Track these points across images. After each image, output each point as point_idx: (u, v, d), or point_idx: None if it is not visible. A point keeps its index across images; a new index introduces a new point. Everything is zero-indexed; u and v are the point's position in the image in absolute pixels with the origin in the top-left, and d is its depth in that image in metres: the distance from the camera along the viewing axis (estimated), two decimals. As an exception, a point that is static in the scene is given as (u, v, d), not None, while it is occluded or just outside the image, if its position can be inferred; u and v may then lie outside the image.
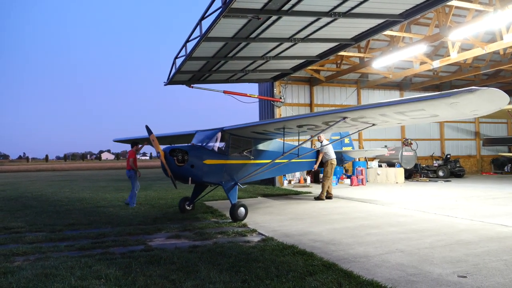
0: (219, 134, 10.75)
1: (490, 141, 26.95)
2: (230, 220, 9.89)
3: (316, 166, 14.46)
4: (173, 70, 16.56)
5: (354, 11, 11.71)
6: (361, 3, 11.18)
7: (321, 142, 14.54)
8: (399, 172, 20.91)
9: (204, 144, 10.59)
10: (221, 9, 10.67)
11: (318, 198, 14.15)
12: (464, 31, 14.21)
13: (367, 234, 8.00)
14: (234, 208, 9.95)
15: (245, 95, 20.11)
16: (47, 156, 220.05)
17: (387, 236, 7.81)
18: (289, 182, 20.96)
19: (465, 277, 5.18)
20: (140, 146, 13.99)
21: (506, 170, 26.46)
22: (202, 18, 11.74)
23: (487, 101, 6.27)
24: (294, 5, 11.04)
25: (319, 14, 11.80)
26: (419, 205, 12.07)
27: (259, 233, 8.33)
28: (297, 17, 11.88)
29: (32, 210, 12.47)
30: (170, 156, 9.69)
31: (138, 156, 15.51)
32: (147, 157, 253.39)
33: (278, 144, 12.23)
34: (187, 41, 13.66)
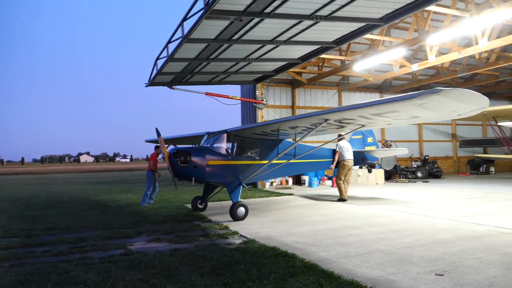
0: (224, 136, 11.13)
1: (466, 143, 27.61)
2: (212, 222, 9.86)
3: (333, 166, 14.17)
4: (155, 71, 16.44)
5: (336, 14, 11.84)
6: (342, 6, 11.31)
7: (337, 143, 14.18)
8: (379, 173, 21.20)
9: (208, 145, 10.97)
10: (203, 10, 10.64)
11: (339, 199, 13.98)
12: (441, 35, 14.52)
13: (348, 235, 8.08)
14: (234, 207, 10.24)
15: (227, 97, 20.10)
16: (23, 158, 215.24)
17: (368, 236, 7.91)
18: (271, 184, 21.02)
19: (442, 275, 5.30)
20: (160, 149, 13.94)
21: (481, 171, 27.09)
22: (184, 19, 11.69)
23: (460, 101, 6.45)
24: (276, 8, 11.10)
25: (301, 17, 11.89)
26: (398, 205, 12.26)
27: (241, 235, 8.33)
28: (279, 19, 11.94)
29: (7, 214, 12.19)
30: (174, 157, 10.06)
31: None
32: (128, 159, 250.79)
33: (288, 144, 12.12)
34: (169, 42, 13.58)
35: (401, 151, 16.29)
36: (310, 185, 20.35)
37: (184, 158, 10.16)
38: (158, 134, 10.19)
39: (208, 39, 13.21)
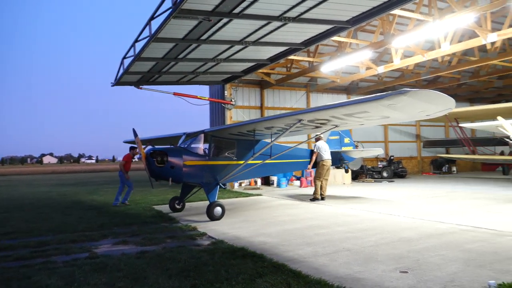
0: (202, 136, 11.19)
1: (430, 143, 28.50)
2: (180, 224, 9.76)
3: (310, 166, 14.34)
4: (121, 71, 16.12)
5: (304, 16, 11.96)
6: (310, 8, 11.44)
7: (315, 143, 14.38)
8: (347, 174, 21.54)
9: (185, 146, 11.04)
10: (171, 9, 10.52)
11: (313, 199, 14.11)
12: (406, 39, 14.93)
13: (315, 234, 8.18)
14: (211, 207, 10.35)
15: (195, 97, 19.95)
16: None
17: (335, 235, 8.03)
18: (240, 184, 21.01)
19: (407, 272, 5.44)
20: (137, 150, 13.84)
21: (444, 170, 28.05)
22: (152, 18, 11.52)
23: (426, 102, 6.66)
24: (245, 8, 11.09)
25: (269, 18, 11.94)
26: (365, 204, 12.52)
27: (210, 236, 8.28)
28: (248, 20, 11.94)
29: (-35, 217, 11.66)
30: (151, 157, 10.12)
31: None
32: (93, 161, 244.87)
33: (264, 145, 12.16)
34: (136, 41, 13.35)
35: (377, 151, 16.68)
36: (278, 185, 20.48)
37: (161, 158, 10.19)
38: (135, 134, 10.20)
39: (176, 38, 13.06)
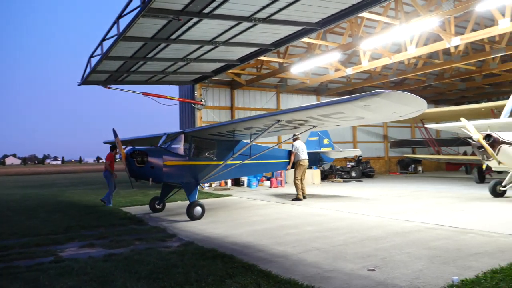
0: (182, 136, 11.18)
1: (397, 144, 29.26)
2: (149, 226, 9.61)
3: (289, 167, 14.43)
4: (88, 70, 15.76)
5: (274, 17, 12.03)
6: (280, 10, 11.52)
7: (292, 144, 14.45)
8: (316, 173, 21.81)
9: (166, 146, 11.07)
10: (140, 8, 10.37)
11: (295, 199, 14.15)
12: (373, 41, 15.27)
13: (286, 234, 8.22)
14: (191, 207, 10.41)
15: (165, 97, 19.74)
16: None
17: (305, 235, 8.09)
18: (210, 185, 20.89)
19: (374, 270, 5.54)
20: (117, 150, 13.48)
21: (410, 170, 28.81)
22: (120, 16, 11.33)
23: (400, 103, 6.86)
24: (215, 8, 11.06)
25: (239, 19, 11.95)
26: (334, 204, 12.69)
27: (179, 238, 8.19)
28: (218, 20, 11.92)
29: None
30: (131, 157, 10.13)
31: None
32: (59, 162, 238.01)
33: (244, 145, 12.21)
34: (103, 39, 13.09)
35: (355, 152, 16.96)
36: (249, 186, 20.47)
37: (141, 158, 10.21)
38: (115, 135, 10.28)
39: (145, 37, 12.89)
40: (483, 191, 14.10)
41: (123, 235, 8.55)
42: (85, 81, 17.07)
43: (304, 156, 14.38)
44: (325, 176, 23.70)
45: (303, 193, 14.32)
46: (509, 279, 4.84)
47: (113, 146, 14.09)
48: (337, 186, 20.10)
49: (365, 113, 7.77)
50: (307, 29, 13.35)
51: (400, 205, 12.14)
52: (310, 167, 16.20)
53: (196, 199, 10.90)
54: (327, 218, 10.19)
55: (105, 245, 7.61)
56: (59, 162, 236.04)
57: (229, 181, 20.83)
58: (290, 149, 14.46)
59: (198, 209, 10.49)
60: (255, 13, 11.67)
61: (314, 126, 9.79)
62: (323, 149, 16.29)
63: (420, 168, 28.85)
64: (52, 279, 5.45)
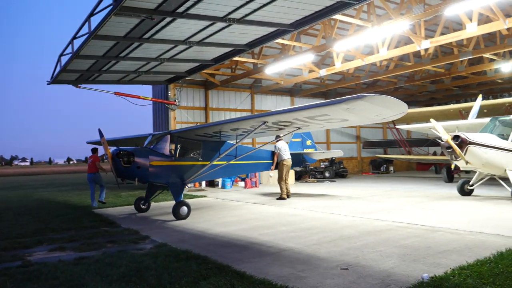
0: (168, 137, 11.27)
1: (369, 144, 29.80)
2: (122, 228, 9.44)
3: (273, 167, 14.56)
4: (58, 69, 15.37)
5: (248, 18, 12.04)
6: (254, 11, 11.53)
7: (275, 144, 14.49)
8: (290, 173, 21.89)
9: (152, 147, 11.16)
10: (112, 6, 10.19)
11: (279, 198, 14.30)
12: (346, 43, 15.50)
13: (260, 235, 8.23)
14: (177, 206, 10.52)
15: (138, 97, 19.46)
16: None
17: (279, 235, 8.12)
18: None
19: (347, 269, 5.61)
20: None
21: (382, 170, 29.38)
22: (91, 14, 11.10)
23: (382, 106, 7.02)
24: (189, 8, 10.98)
25: (214, 19, 11.90)
26: (308, 204, 12.80)
27: (152, 240, 8.07)
28: (192, 20, 11.83)
29: None
30: (117, 157, 10.18)
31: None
32: (27, 163, 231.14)
33: (230, 146, 12.24)
34: (74, 37, 12.79)
35: (337, 153, 17.30)
36: (223, 186, 20.41)
37: (127, 158, 10.28)
38: (101, 135, 10.40)
39: (117, 36, 12.67)
40: (452, 190, 14.49)
41: (95, 237, 8.38)
42: (55, 80, 16.64)
43: (287, 156, 14.58)
44: (299, 176, 23.87)
45: (287, 193, 14.48)
46: (475, 275, 5.00)
47: (95, 149, 14.05)
48: (311, 186, 20.28)
49: (349, 116, 7.95)
50: (281, 30, 13.43)
51: (372, 204, 12.35)
52: (293, 167, 16.54)
53: (182, 199, 10.99)
54: (301, 218, 10.27)
55: (76, 248, 7.44)
56: (28, 164, 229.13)
57: (203, 182, 20.69)
58: (273, 149, 14.59)
59: (184, 208, 10.60)
60: (230, 13, 11.65)
61: (299, 128, 9.97)
62: (306, 150, 16.64)
63: (391, 168, 29.43)
64: (20, 284, 5.30)
